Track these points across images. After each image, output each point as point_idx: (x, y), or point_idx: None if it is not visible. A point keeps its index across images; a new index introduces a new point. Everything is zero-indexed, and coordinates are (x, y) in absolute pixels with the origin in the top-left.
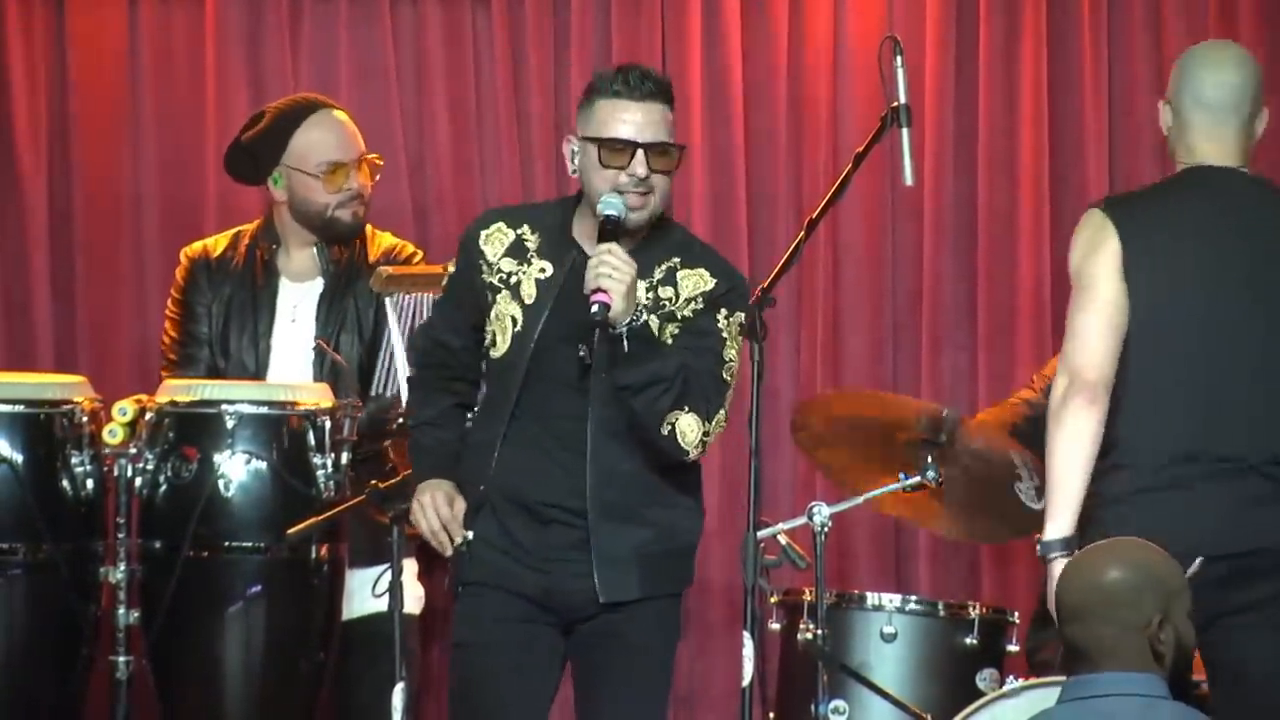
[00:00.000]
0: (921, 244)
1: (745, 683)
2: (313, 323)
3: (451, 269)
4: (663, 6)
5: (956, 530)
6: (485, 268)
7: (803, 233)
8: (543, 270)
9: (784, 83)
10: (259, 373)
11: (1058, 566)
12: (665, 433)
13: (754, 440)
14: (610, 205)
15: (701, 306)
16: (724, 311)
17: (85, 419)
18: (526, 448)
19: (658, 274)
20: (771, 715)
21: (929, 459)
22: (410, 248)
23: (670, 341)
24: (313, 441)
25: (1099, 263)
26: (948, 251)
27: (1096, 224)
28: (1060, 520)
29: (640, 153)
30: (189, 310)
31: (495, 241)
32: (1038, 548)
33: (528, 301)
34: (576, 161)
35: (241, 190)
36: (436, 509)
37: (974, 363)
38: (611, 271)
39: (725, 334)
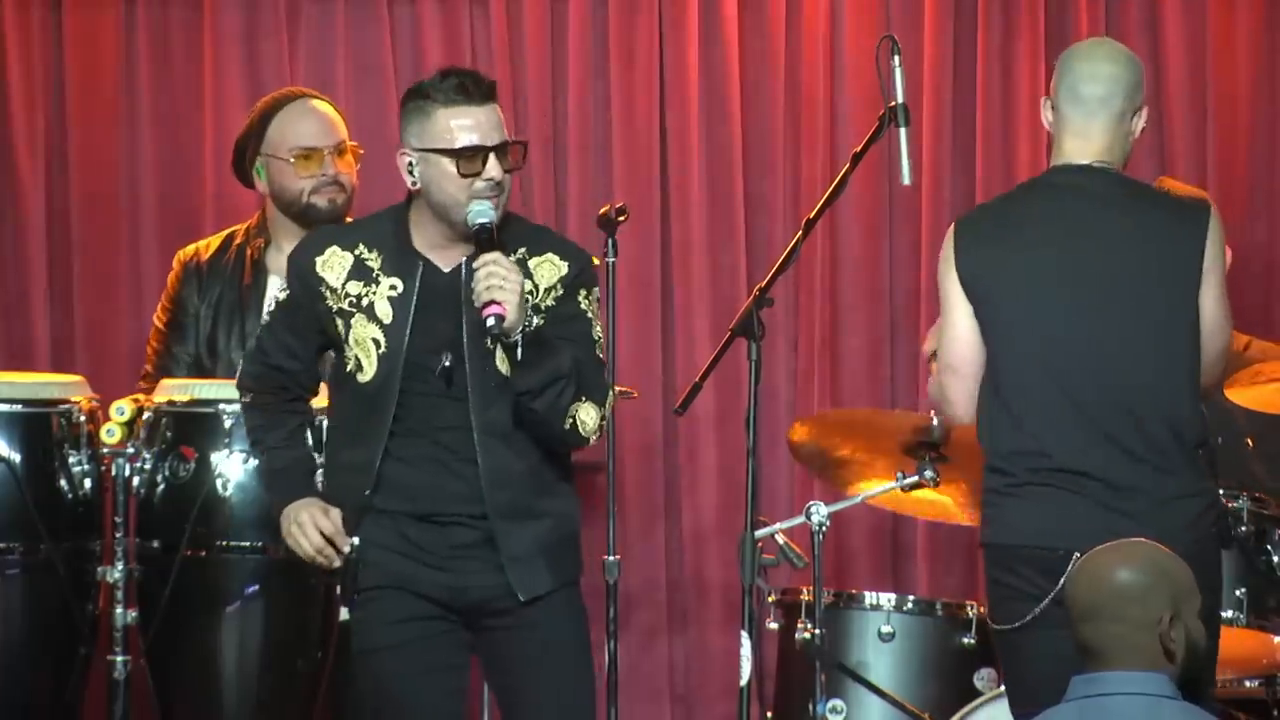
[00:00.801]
0: (919, 244)
1: (743, 682)
2: None
3: (287, 291)
4: (660, 5)
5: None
6: (329, 294)
7: (800, 232)
8: (393, 287)
9: (781, 82)
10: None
11: None
12: (568, 426)
13: (751, 440)
14: (481, 214)
15: (561, 292)
16: (583, 292)
17: (83, 418)
18: (414, 463)
19: None
20: (769, 714)
21: (926, 458)
22: None
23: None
24: (310, 441)
25: (947, 280)
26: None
27: (946, 241)
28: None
29: (491, 156)
30: (174, 322)
31: (334, 266)
32: None
33: (386, 321)
34: (416, 173)
35: (239, 190)
36: (316, 524)
37: None
38: (502, 282)
39: (590, 314)
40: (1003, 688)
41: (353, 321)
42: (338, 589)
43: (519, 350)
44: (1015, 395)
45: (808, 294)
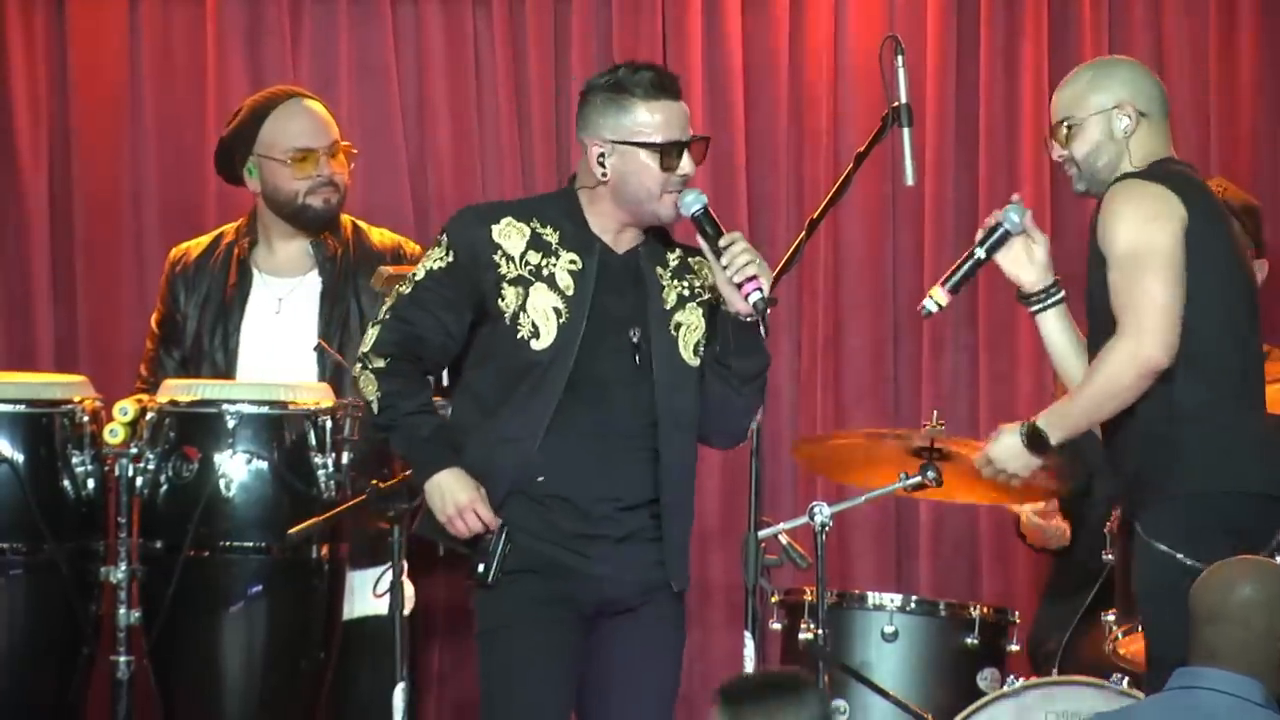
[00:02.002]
0: (922, 244)
1: None
2: (313, 319)
3: (448, 259)
4: (663, 6)
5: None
6: (503, 261)
7: (803, 233)
8: (573, 262)
9: (785, 83)
10: (227, 370)
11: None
12: (754, 423)
13: (755, 440)
14: (697, 200)
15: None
16: None
17: (86, 419)
18: (578, 437)
19: (673, 261)
20: None
21: (928, 458)
22: (413, 245)
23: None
24: (314, 441)
25: (1170, 232)
26: (949, 251)
27: (1157, 194)
28: None
29: (686, 151)
30: (164, 322)
31: (513, 235)
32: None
33: (568, 292)
34: (608, 164)
35: (242, 190)
36: (476, 510)
37: (975, 364)
38: (757, 258)
39: None
40: (1004, 688)
41: (532, 290)
42: (479, 567)
43: (764, 329)
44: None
45: (811, 294)
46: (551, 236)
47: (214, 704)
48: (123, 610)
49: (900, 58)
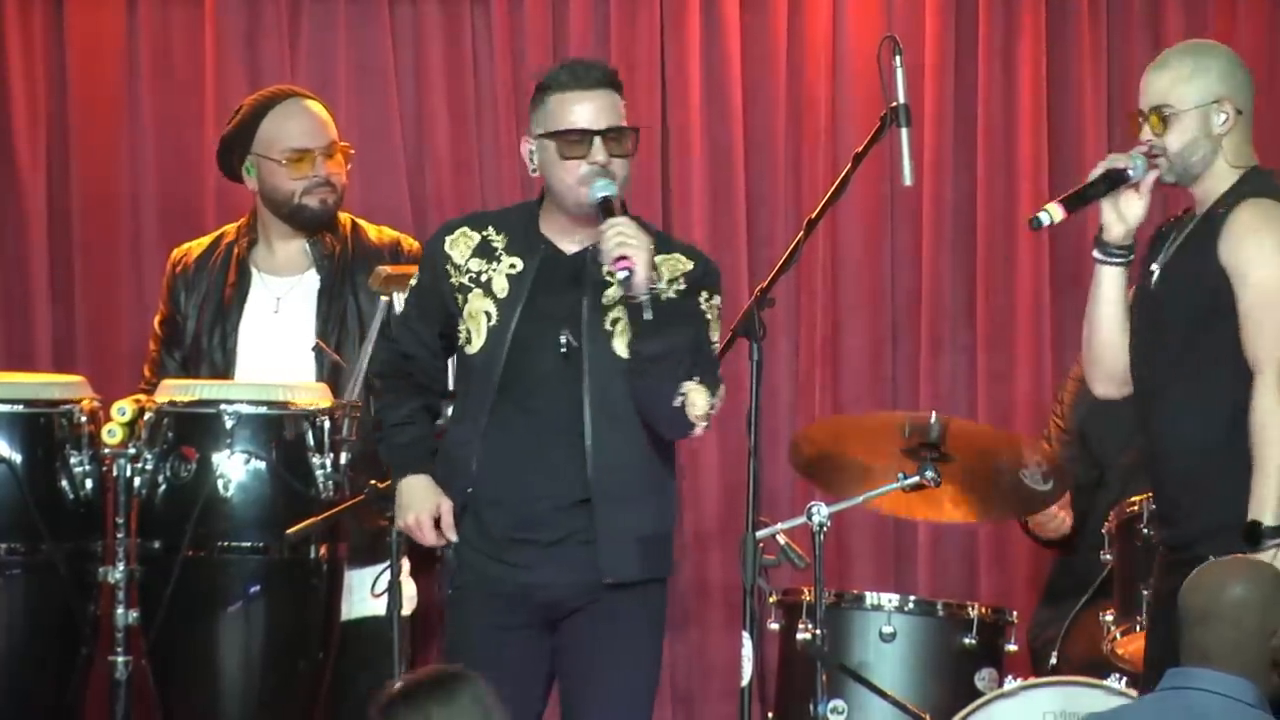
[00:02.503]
0: (920, 244)
1: (744, 682)
2: (311, 318)
3: (418, 278)
4: (661, 6)
5: (960, 515)
6: (452, 271)
7: (802, 233)
8: (513, 266)
9: (783, 82)
10: (226, 370)
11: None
12: (677, 404)
13: (753, 440)
14: (603, 187)
15: (684, 287)
16: (705, 294)
17: (84, 419)
18: (513, 438)
19: None
20: (770, 715)
21: (926, 459)
22: (411, 241)
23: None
24: (312, 441)
25: None
26: (947, 252)
27: None
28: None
29: (598, 140)
30: (166, 323)
31: (460, 244)
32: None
33: (500, 296)
34: (535, 161)
35: (241, 190)
36: (434, 519)
37: (973, 364)
38: (630, 239)
39: (709, 315)
40: (1002, 688)
41: (470, 295)
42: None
43: (646, 310)
44: None
45: (809, 294)
46: (499, 242)
47: (212, 704)
48: (121, 610)
49: (898, 58)
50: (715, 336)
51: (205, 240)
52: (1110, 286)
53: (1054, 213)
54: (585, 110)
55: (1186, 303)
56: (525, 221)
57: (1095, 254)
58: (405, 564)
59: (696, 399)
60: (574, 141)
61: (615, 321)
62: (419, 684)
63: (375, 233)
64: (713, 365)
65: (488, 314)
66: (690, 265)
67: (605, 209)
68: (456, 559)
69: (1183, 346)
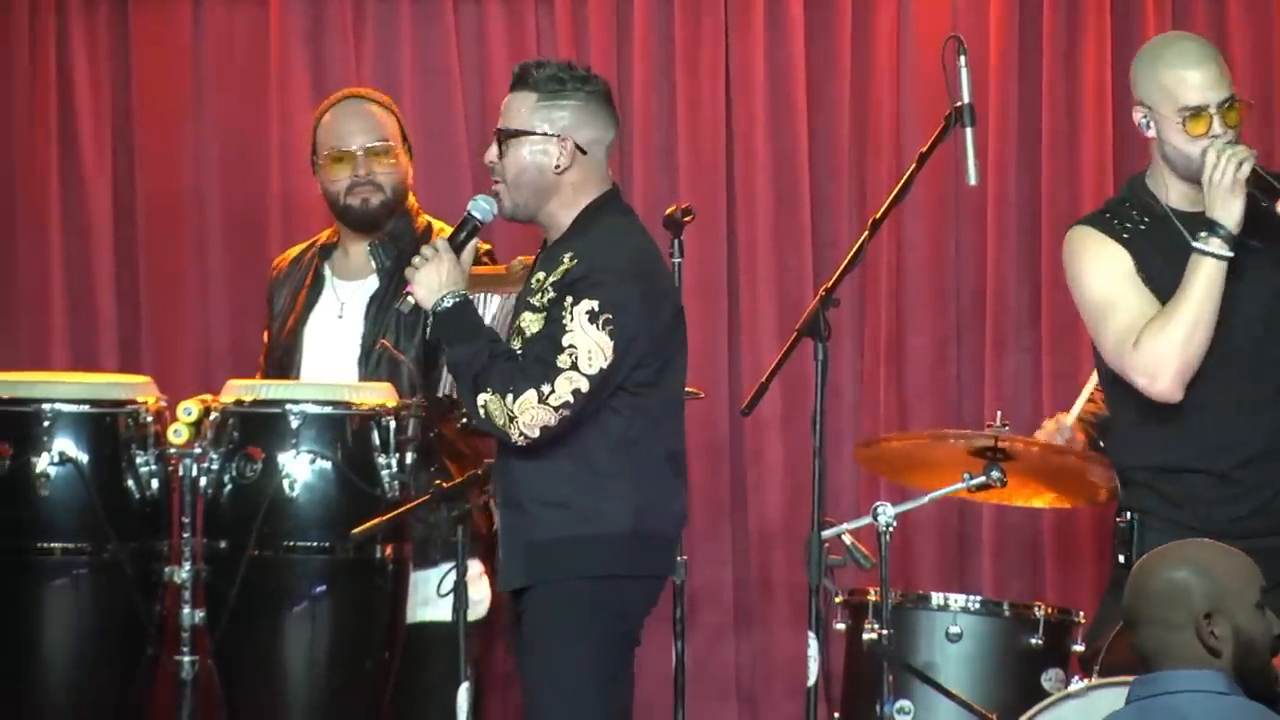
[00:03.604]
0: (985, 244)
1: (810, 683)
2: (362, 321)
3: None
4: (726, 7)
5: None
6: None
7: (866, 233)
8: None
9: (847, 83)
10: (293, 374)
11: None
12: (481, 415)
13: (818, 440)
14: (475, 205)
15: (554, 294)
16: (570, 299)
17: (150, 419)
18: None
19: (560, 267)
20: (836, 715)
21: (992, 459)
22: (484, 245)
23: (533, 329)
24: (377, 441)
25: None
26: (1011, 252)
27: None
28: None
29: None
30: (269, 329)
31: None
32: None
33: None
34: None
35: (305, 190)
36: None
37: (1038, 365)
38: (418, 272)
39: (566, 318)
40: (1068, 688)
41: None
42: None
43: (425, 330)
44: None
45: (873, 294)
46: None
47: (278, 703)
48: (186, 610)
49: (963, 58)
50: (573, 340)
51: (303, 245)
52: (1221, 281)
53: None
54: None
55: None
56: None
57: (1217, 248)
58: (478, 566)
59: (492, 410)
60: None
61: (518, 331)
62: None
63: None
64: (522, 372)
65: None
66: (570, 265)
67: (463, 225)
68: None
69: None
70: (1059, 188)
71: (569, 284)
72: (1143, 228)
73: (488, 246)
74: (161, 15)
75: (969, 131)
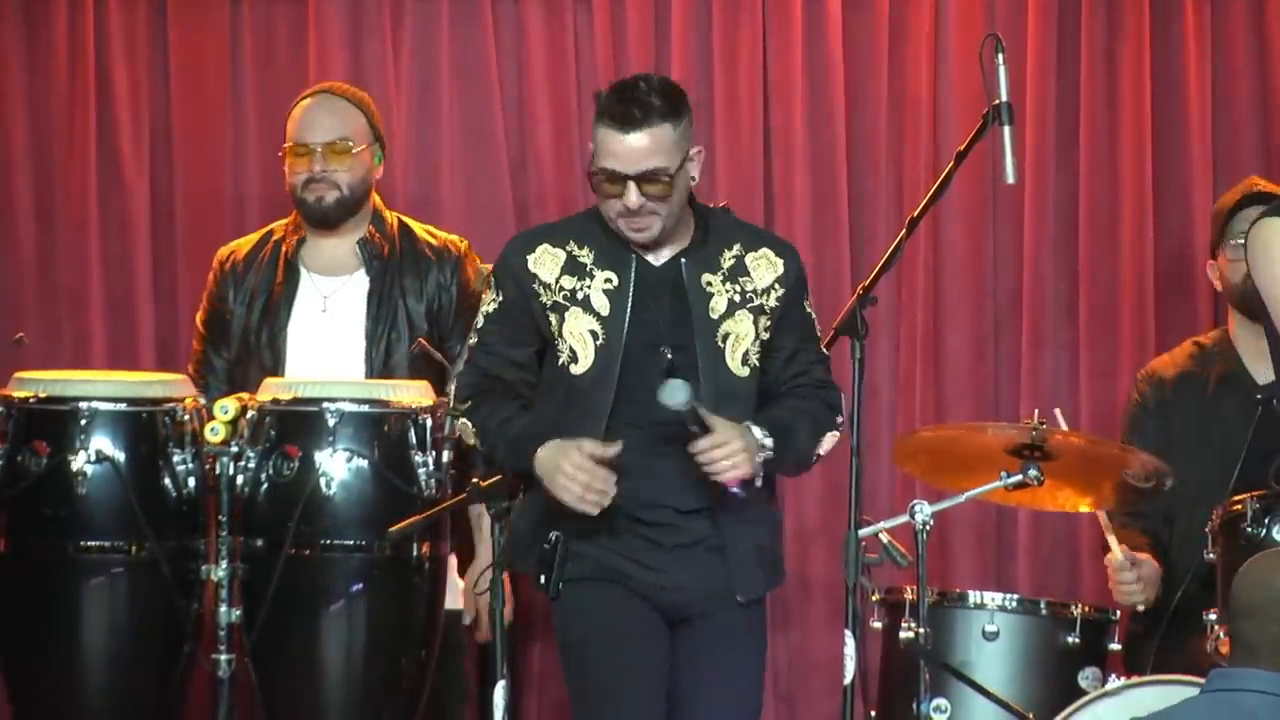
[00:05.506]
0: (1022, 242)
1: (847, 681)
2: (360, 319)
3: (499, 299)
4: (764, 5)
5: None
6: (543, 291)
7: (904, 231)
8: (608, 280)
9: (885, 81)
10: (275, 368)
11: None
12: (821, 456)
13: (855, 439)
14: (673, 394)
15: (782, 293)
16: (807, 295)
17: (187, 417)
18: (630, 454)
19: (727, 263)
20: (873, 713)
21: (1029, 457)
22: (463, 243)
23: (767, 336)
24: (414, 439)
25: None
26: (1049, 250)
27: None
28: None
29: (631, 184)
30: (210, 321)
31: (547, 263)
32: None
33: (602, 313)
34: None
35: None
36: (579, 467)
37: (1076, 363)
38: (735, 462)
39: (813, 314)
40: (1105, 687)
41: (568, 314)
42: (541, 579)
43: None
44: None
45: (910, 293)
46: (586, 257)
47: (314, 702)
48: (224, 608)
49: (1000, 56)
50: (819, 329)
51: (254, 237)
52: None
53: None
54: (624, 150)
55: None
56: (605, 233)
57: None
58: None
59: (828, 444)
60: (606, 181)
61: (726, 337)
62: None
63: (424, 233)
64: (825, 390)
65: (593, 333)
66: (781, 265)
67: (683, 420)
68: (565, 552)
69: None
70: (1097, 186)
71: (795, 281)
72: None
73: (464, 243)
74: (200, 15)
75: (1007, 130)
